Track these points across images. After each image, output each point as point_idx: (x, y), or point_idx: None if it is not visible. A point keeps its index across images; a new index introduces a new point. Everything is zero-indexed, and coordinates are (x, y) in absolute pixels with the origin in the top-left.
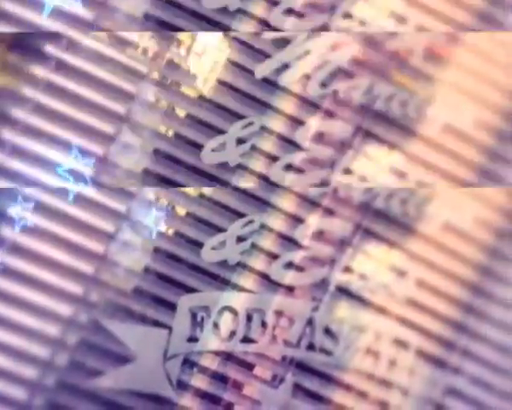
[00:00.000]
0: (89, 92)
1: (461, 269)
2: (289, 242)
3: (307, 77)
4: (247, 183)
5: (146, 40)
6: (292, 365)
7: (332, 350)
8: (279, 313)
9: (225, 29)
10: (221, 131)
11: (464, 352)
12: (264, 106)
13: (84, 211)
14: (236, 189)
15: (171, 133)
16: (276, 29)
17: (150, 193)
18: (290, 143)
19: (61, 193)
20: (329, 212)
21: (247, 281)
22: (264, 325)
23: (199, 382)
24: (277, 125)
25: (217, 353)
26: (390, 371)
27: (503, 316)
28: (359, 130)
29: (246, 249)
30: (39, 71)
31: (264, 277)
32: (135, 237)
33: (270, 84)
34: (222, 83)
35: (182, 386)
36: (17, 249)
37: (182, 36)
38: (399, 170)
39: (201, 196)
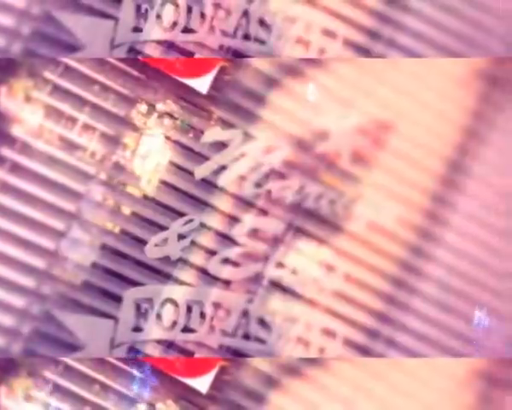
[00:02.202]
0: (41, 192)
1: (384, 264)
2: (226, 239)
3: (243, 178)
4: (187, 275)
5: (94, 144)
6: (228, 353)
7: (265, 339)
8: (217, 305)
9: (167, 277)
10: (163, 228)
11: (387, 341)
12: (203, 204)
13: (36, 210)
14: (177, 190)
15: (117, 230)
16: (215, 277)
17: (98, 194)
18: (227, 239)
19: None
20: (263, 212)
21: (187, 275)
22: (202, 315)
23: None
24: (215, 222)
25: (159, 341)
26: None
27: (423, 307)
28: (291, 226)
29: (186, 246)
30: None
31: (203, 271)
32: (83, 235)
33: (208, 184)
34: (164, 183)
35: None
36: None
37: (127, 140)
38: (328, 263)
39: (145, 197)
